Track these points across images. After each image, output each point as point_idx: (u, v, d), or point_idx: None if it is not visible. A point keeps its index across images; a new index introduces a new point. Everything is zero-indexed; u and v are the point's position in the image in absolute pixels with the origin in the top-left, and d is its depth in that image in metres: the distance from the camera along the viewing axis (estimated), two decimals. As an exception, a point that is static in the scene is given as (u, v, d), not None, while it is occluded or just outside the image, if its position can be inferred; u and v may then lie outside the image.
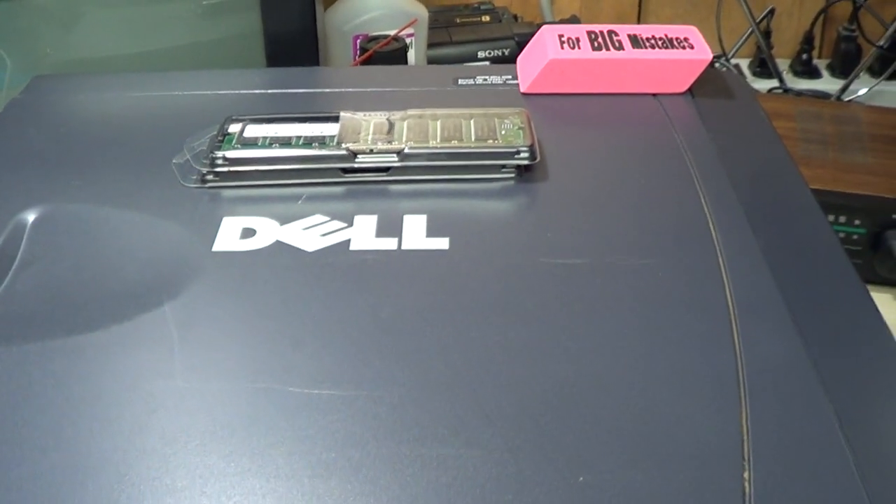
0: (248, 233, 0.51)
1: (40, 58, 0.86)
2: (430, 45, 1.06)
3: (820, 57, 1.31)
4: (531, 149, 0.55)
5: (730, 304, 0.46)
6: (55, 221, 0.53)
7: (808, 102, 1.07)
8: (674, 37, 0.66)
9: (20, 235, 0.52)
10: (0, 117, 0.64)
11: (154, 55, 0.88)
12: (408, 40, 0.94)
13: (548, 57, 0.64)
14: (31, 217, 0.53)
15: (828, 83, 1.26)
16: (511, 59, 1.08)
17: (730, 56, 1.26)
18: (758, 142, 0.62)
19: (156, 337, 0.44)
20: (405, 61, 0.91)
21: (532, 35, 1.09)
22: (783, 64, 1.27)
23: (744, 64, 1.29)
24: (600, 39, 0.66)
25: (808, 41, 1.27)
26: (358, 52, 0.94)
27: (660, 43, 0.66)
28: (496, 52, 1.09)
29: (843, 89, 1.19)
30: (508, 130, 0.56)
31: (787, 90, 1.22)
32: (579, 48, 0.65)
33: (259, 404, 0.40)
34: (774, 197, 0.56)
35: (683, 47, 0.65)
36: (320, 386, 0.41)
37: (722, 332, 0.44)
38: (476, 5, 1.19)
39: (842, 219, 0.86)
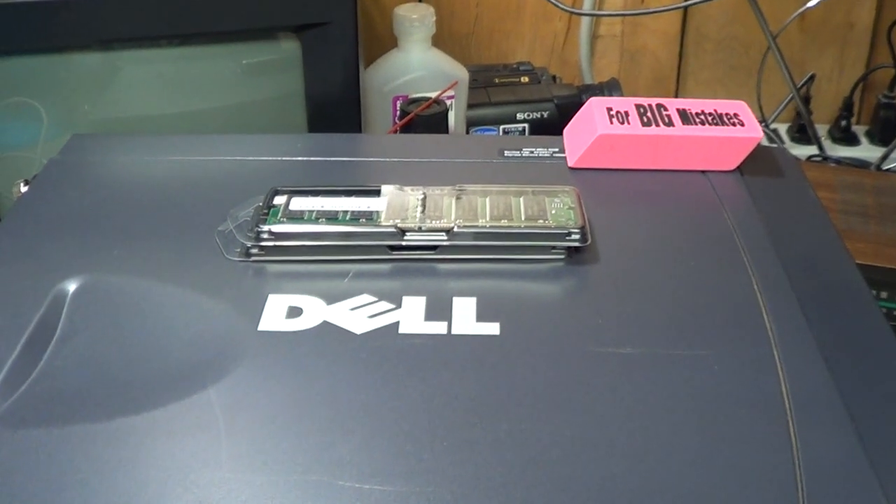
0: (295, 312, 0.50)
1: (77, 114, 0.86)
2: (470, 106, 1.05)
3: (859, 123, 1.30)
4: (582, 231, 0.54)
5: (785, 399, 0.45)
6: (96, 293, 0.52)
7: (848, 172, 1.06)
8: (723, 112, 0.65)
9: (60, 306, 0.51)
10: (40, 177, 0.64)
11: (193, 115, 0.88)
12: (448, 102, 0.93)
13: (597, 132, 0.63)
14: (71, 287, 0.52)
15: (866, 150, 1.25)
16: (550, 122, 1.08)
17: (769, 121, 1.25)
18: (807, 222, 0.61)
19: (201, 423, 0.43)
20: (446, 124, 0.90)
21: (572, 97, 1.10)
22: (821, 129, 1.26)
23: (782, 129, 1.28)
24: (649, 114, 0.65)
25: (847, 107, 1.26)
26: (398, 114, 0.94)
27: (709, 119, 0.65)
28: (536, 114, 1.08)
29: (884, 157, 1.18)
30: (559, 210, 0.55)
31: (826, 157, 1.21)
32: (628, 123, 0.64)
33: (309, 499, 0.39)
34: (825, 280, 0.55)
35: (733, 124, 0.64)
36: (371, 480, 0.40)
37: (779, 430, 0.43)
38: (515, 65, 1.18)
39: (883, 294, 0.84)
